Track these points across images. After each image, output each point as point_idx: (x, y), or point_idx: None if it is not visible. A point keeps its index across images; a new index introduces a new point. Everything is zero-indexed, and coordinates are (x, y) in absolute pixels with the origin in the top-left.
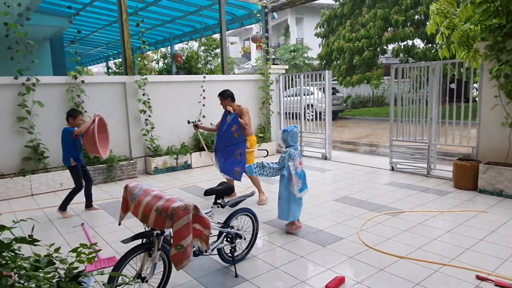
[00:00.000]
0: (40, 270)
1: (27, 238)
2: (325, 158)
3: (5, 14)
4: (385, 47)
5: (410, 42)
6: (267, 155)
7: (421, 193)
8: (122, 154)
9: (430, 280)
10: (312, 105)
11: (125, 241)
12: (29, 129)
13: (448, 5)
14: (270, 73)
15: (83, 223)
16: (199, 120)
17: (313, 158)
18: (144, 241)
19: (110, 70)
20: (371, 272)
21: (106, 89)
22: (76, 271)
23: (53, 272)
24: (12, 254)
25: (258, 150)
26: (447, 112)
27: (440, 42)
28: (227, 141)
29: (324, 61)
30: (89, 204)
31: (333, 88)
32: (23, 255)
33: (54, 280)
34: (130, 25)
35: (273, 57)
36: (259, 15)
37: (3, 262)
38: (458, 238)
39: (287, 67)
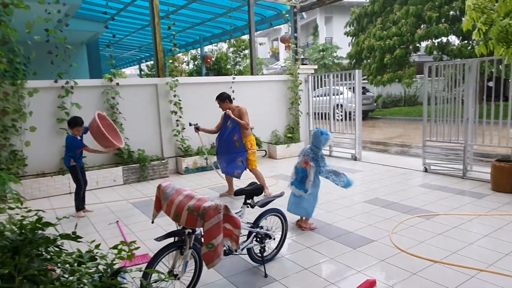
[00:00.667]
0: (83, 265)
1: (71, 234)
2: (354, 158)
3: (46, 20)
4: (417, 45)
5: (444, 39)
6: (266, 155)
7: (456, 196)
8: (154, 154)
9: (466, 286)
10: (341, 105)
11: (158, 239)
12: (67, 130)
13: None
14: (299, 73)
15: (117, 221)
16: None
17: (342, 158)
18: (176, 240)
19: (142, 72)
20: (403, 276)
21: (139, 91)
22: (115, 267)
23: (95, 268)
24: (57, 249)
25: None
26: (485, 111)
27: (477, 39)
28: (229, 149)
29: (354, 60)
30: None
31: (363, 88)
32: (67, 250)
33: (96, 275)
34: (162, 28)
35: (302, 57)
36: (288, 15)
37: (48, 257)
38: (496, 243)
39: (316, 67)
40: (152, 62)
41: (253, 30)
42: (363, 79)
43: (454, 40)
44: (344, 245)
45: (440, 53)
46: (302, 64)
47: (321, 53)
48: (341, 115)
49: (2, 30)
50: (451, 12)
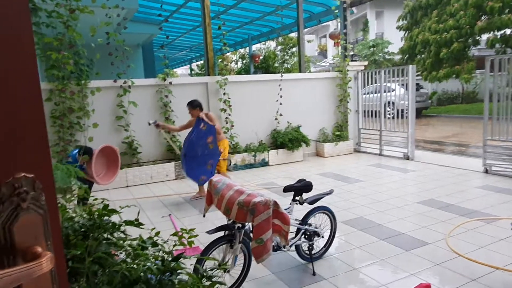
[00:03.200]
0: (146, 250)
1: (134, 221)
2: (407, 158)
3: (107, 24)
4: (477, 38)
5: (508, 31)
6: (230, 164)
7: None
8: None
9: None
10: (392, 103)
11: (209, 232)
12: (125, 127)
13: None
14: (348, 70)
15: (170, 214)
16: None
17: (393, 158)
18: (226, 233)
19: (192, 72)
20: (461, 281)
21: (190, 90)
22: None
23: (157, 253)
24: (123, 235)
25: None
26: None
27: None
28: (200, 151)
29: (407, 55)
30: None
31: (416, 84)
32: (131, 236)
33: (158, 260)
34: (212, 29)
35: (352, 53)
36: (337, 11)
37: (114, 241)
38: None
39: (366, 63)
40: (202, 61)
41: (302, 28)
42: (417, 75)
43: None
44: (396, 246)
45: (503, 46)
46: (352, 60)
47: (372, 49)
48: (392, 113)
49: (69, 34)
50: None
